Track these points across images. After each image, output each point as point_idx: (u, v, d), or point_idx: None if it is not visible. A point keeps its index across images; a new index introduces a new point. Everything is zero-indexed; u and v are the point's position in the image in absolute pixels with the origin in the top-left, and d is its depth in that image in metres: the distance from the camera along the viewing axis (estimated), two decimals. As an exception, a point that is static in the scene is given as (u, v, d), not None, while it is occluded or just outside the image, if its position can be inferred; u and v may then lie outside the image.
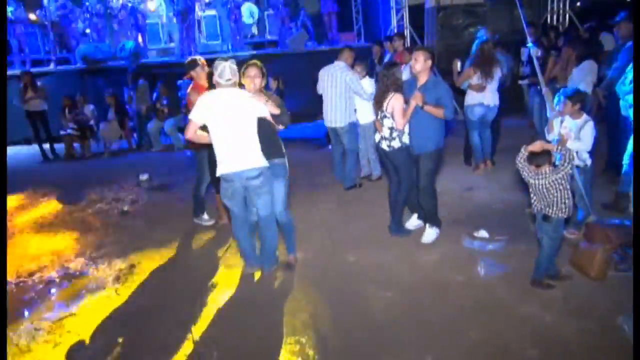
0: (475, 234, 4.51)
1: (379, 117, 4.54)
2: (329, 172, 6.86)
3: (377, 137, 4.63)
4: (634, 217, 3.74)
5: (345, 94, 5.89)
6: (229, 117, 3.67)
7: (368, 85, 6.06)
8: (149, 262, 4.62)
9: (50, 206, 6.45)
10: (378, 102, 4.48)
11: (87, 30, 12.61)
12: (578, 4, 11.48)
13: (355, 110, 6.06)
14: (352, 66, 6.04)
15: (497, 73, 5.97)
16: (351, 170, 6.19)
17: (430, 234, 4.57)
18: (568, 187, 3.36)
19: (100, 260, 4.72)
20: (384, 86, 4.43)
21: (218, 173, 3.80)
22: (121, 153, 9.80)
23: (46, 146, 9.58)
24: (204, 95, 3.79)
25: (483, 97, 6.04)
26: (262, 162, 3.79)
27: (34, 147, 9.74)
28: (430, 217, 4.60)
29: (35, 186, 7.36)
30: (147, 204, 6.41)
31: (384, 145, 4.54)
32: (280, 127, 4.01)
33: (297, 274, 4.17)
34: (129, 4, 12.56)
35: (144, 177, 7.52)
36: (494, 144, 6.52)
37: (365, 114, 6.05)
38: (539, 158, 3.31)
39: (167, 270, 4.49)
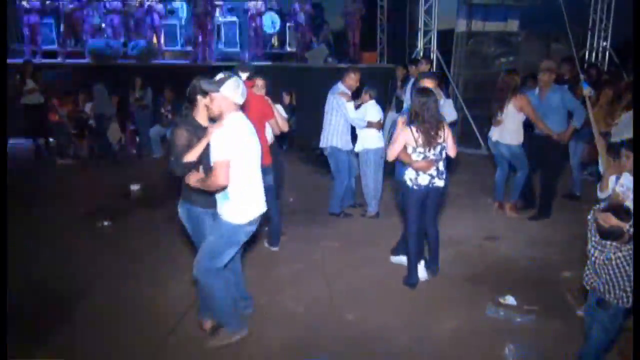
0: (501, 300, 3.80)
1: (431, 152, 3.83)
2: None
3: (425, 177, 3.90)
4: (634, 223, 3.02)
5: (334, 116, 5.53)
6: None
7: (363, 111, 5.49)
8: (107, 295, 3.94)
9: (22, 211, 5.81)
10: (433, 136, 3.79)
11: (102, 26, 12.20)
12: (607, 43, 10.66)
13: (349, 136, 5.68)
14: (358, 89, 5.61)
15: (511, 108, 5.32)
16: (334, 196, 5.76)
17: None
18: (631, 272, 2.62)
19: (51, 286, 4.05)
20: (435, 118, 3.78)
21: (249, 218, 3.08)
22: (119, 156, 9.22)
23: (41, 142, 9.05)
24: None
25: (493, 132, 5.58)
26: None
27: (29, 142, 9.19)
28: None
29: (16, 187, 6.75)
30: (130, 219, 5.77)
31: (441, 181, 3.98)
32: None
33: (285, 329, 3.48)
34: (147, 3, 12.11)
35: (135, 186, 6.93)
36: (547, 195, 5.61)
37: (361, 141, 5.59)
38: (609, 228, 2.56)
39: (122, 314, 3.68)
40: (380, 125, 5.49)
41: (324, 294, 3.96)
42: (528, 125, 5.49)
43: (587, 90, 4.42)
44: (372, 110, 5.49)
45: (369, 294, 3.98)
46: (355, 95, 5.76)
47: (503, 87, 5.41)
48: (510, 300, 3.79)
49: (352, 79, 5.49)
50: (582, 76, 5.11)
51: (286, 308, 3.74)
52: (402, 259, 4.32)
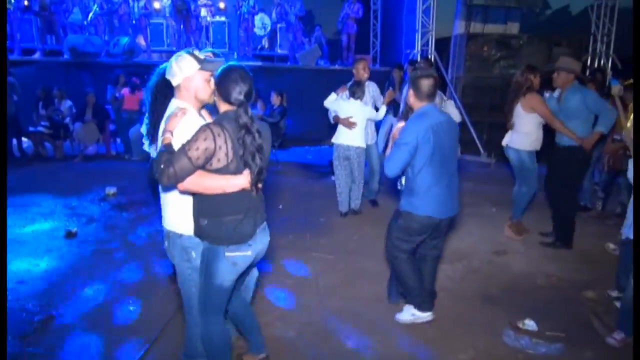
0: (520, 325, 3.33)
1: None
2: (330, 208, 5.75)
3: None
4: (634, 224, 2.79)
5: None
6: None
7: (336, 104, 5.41)
8: (73, 315, 3.40)
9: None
10: None
11: (85, 23, 11.62)
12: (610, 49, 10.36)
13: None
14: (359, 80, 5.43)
15: (519, 109, 4.76)
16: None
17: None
18: None
19: (13, 305, 3.50)
20: None
21: None
22: (96, 159, 8.66)
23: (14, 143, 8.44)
24: None
25: (506, 137, 5.00)
26: (169, 223, 2.47)
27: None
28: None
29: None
30: (104, 226, 5.22)
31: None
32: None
33: (273, 358, 2.96)
34: (131, 1, 11.57)
35: (110, 190, 6.40)
36: (566, 218, 4.78)
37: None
38: None
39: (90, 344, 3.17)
40: (349, 123, 5.27)
41: (318, 316, 3.46)
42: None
43: (616, 88, 3.93)
44: (343, 105, 5.35)
45: (370, 315, 3.47)
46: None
47: (516, 88, 4.76)
48: (530, 325, 3.32)
49: (357, 69, 5.46)
50: (610, 72, 4.65)
51: (274, 332, 3.22)
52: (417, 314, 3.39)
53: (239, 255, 2.34)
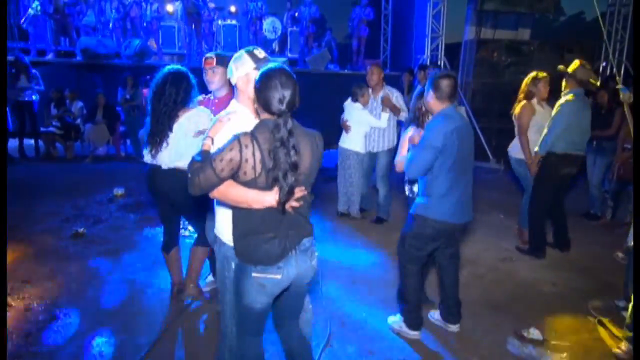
0: (524, 334, 3.29)
1: None
2: (336, 212, 5.77)
3: None
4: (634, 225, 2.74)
5: None
6: None
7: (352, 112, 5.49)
8: (77, 315, 3.43)
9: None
10: None
11: (99, 25, 11.74)
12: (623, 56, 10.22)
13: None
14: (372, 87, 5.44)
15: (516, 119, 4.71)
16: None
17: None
18: None
19: (17, 304, 3.53)
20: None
21: None
22: (106, 159, 8.75)
23: (29, 143, 8.55)
24: None
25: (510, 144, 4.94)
26: (216, 228, 2.39)
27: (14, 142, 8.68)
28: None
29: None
30: (110, 227, 5.25)
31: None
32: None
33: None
34: (144, 4, 11.68)
35: (118, 191, 6.44)
36: (532, 227, 4.71)
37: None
38: None
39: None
40: (344, 126, 5.49)
41: (320, 321, 3.43)
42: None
43: (626, 96, 3.87)
44: (348, 108, 5.52)
45: (372, 322, 3.45)
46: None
47: (519, 96, 4.73)
48: (535, 334, 3.27)
49: (368, 75, 5.46)
50: (618, 78, 4.59)
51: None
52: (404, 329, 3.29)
53: (267, 278, 2.09)
